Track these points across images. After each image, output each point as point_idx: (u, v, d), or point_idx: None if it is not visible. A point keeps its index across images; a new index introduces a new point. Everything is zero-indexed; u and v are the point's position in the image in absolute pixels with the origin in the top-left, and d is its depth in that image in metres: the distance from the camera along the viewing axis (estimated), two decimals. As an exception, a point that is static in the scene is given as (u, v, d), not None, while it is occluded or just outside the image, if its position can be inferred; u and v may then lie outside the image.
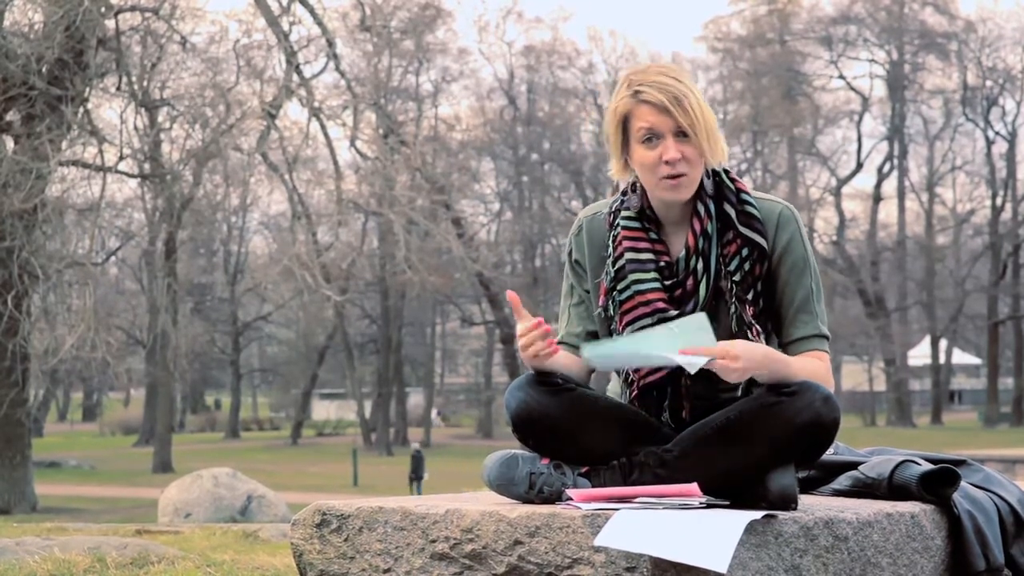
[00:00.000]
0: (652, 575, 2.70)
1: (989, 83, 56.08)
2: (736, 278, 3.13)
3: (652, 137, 3.09)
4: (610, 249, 3.23)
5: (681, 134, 3.08)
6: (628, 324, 3.17)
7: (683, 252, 3.16)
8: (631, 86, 3.12)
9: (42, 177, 22.80)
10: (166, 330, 29.80)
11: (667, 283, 3.16)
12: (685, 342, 2.94)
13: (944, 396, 61.90)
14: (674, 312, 3.13)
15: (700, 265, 3.15)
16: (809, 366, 3.10)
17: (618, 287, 3.19)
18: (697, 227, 3.15)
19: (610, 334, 3.25)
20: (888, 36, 56.69)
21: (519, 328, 3.08)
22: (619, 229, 3.21)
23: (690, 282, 3.15)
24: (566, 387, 3.12)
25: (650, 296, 3.15)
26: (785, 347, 3.19)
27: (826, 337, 3.19)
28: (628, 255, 3.18)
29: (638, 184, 3.23)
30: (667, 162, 3.08)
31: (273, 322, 61.88)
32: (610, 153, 3.23)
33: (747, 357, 2.94)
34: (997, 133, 56.40)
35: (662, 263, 3.17)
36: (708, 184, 3.17)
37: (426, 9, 45.07)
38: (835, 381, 3.19)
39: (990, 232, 56.42)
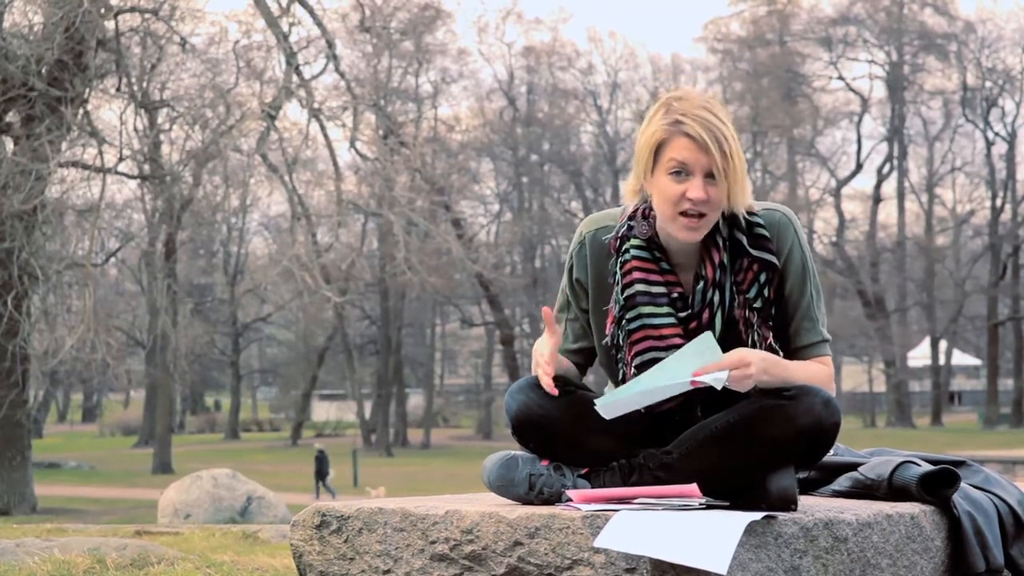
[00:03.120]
0: (652, 576, 2.70)
1: (989, 84, 56.10)
2: (757, 305, 3.10)
3: (682, 172, 3.03)
4: (618, 276, 3.17)
5: (711, 175, 3.03)
6: (637, 354, 3.14)
7: (700, 284, 3.11)
8: (671, 112, 3.04)
9: (42, 178, 22.80)
10: (166, 331, 29.80)
11: (681, 315, 3.13)
12: (696, 364, 2.92)
13: (944, 397, 61.89)
14: None
15: (717, 297, 3.11)
16: (809, 370, 3.09)
17: (627, 316, 3.15)
18: (716, 258, 3.11)
19: (615, 363, 3.22)
20: (888, 37, 56.71)
21: (546, 342, 3.10)
22: (628, 257, 3.15)
23: (706, 314, 3.11)
24: (566, 389, 3.11)
25: (665, 331, 3.11)
26: (790, 354, 3.17)
27: (828, 341, 3.19)
28: (639, 286, 3.13)
29: (647, 211, 3.17)
30: (691, 199, 3.03)
31: (273, 323, 61.89)
32: (632, 174, 3.16)
33: (755, 363, 2.95)
34: (997, 134, 56.44)
35: (675, 295, 3.13)
36: (720, 219, 3.12)
37: (426, 10, 45.07)
38: (835, 382, 3.18)
39: (990, 233, 56.43)
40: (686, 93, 3.09)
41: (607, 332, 3.20)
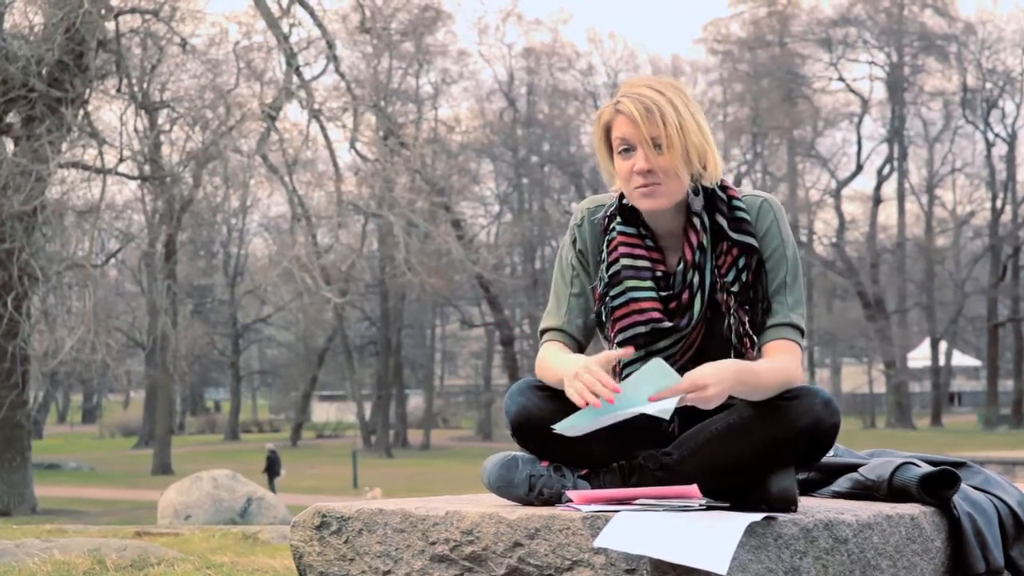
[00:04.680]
0: (652, 577, 2.70)
1: (989, 85, 56.11)
2: (734, 289, 3.11)
3: (628, 148, 3.08)
4: (604, 254, 3.20)
5: (656, 146, 3.05)
6: (620, 331, 3.14)
7: (680, 265, 3.13)
8: (616, 97, 3.13)
9: (42, 179, 22.81)
10: (166, 332, 29.81)
11: (663, 294, 3.14)
12: (652, 389, 2.88)
13: (944, 398, 61.89)
14: (668, 324, 3.11)
15: (696, 279, 3.12)
16: (777, 365, 3.03)
17: (611, 293, 3.16)
18: (694, 240, 3.12)
19: (605, 340, 3.24)
20: (888, 38, 56.72)
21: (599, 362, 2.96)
22: (615, 234, 3.18)
23: (685, 295, 3.12)
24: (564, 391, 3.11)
25: (645, 304, 3.12)
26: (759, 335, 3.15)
27: (796, 327, 3.12)
28: (624, 261, 3.15)
29: None
30: (637, 173, 3.07)
31: (273, 324, 61.90)
32: (600, 163, 3.23)
33: (717, 381, 2.88)
34: (997, 135, 56.45)
35: (658, 273, 3.15)
36: (696, 200, 3.12)
37: (426, 11, 45.04)
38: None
39: (990, 234, 56.45)
40: (636, 78, 3.16)
41: (592, 310, 3.23)
